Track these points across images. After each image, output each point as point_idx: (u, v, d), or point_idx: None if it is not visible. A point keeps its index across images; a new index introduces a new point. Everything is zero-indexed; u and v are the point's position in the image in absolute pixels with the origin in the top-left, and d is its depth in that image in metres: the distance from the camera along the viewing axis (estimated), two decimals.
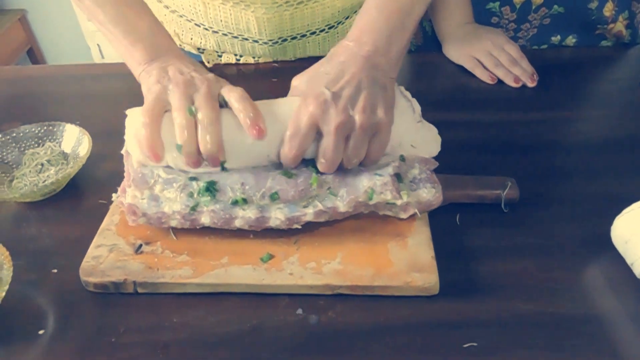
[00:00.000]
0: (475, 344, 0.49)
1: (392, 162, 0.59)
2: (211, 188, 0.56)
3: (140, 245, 0.57)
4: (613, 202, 0.59)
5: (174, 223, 0.56)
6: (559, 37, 0.96)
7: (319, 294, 0.54)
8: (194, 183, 0.56)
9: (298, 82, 0.59)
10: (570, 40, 0.97)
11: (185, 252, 0.56)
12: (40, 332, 0.51)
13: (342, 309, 0.53)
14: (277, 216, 0.56)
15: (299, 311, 0.52)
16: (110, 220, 0.60)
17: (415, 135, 0.60)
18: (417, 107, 0.63)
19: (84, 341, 0.51)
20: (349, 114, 0.54)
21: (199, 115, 0.55)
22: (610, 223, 0.57)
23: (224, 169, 0.57)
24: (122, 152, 0.61)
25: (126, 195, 0.57)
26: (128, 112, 0.59)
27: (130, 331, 0.51)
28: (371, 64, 0.57)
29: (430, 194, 0.58)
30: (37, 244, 0.60)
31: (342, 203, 0.56)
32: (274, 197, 0.56)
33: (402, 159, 0.60)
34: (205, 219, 0.55)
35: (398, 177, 0.58)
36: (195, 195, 0.56)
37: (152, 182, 0.57)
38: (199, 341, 0.50)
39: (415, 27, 0.59)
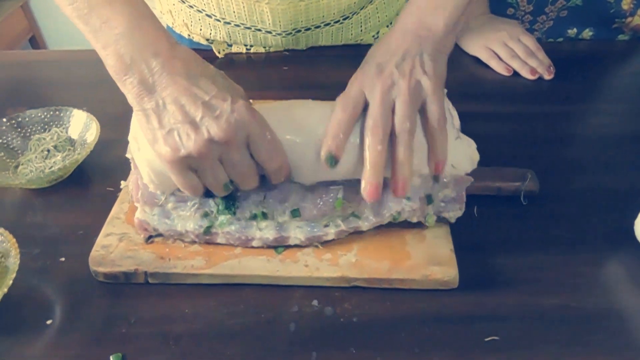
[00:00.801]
0: (496, 338, 0.48)
1: (425, 181, 0.55)
2: (230, 206, 0.53)
3: (152, 235, 0.55)
4: (635, 196, 0.58)
5: (187, 240, 0.55)
6: (575, 30, 0.94)
7: (334, 286, 0.52)
8: (210, 201, 0.53)
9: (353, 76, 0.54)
10: (587, 33, 0.95)
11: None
12: (48, 322, 0.50)
13: (359, 301, 0.51)
14: (296, 235, 0.54)
15: (315, 302, 0.51)
16: (119, 208, 0.58)
17: (455, 153, 0.54)
18: (457, 122, 0.57)
19: (93, 332, 0.49)
20: (394, 76, 0.51)
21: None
22: (633, 217, 0.56)
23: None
24: (128, 155, 0.55)
25: (137, 210, 0.55)
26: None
27: (141, 322, 0.50)
28: (419, 35, 0.53)
29: (454, 214, 0.56)
30: (44, 231, 0.59)
31: (365, 223, 0.55)
32: (295, 214, 0.53)
33: (436, 179, 0.55)
34: (220, 240, 0.54)
35: (428, 198, 0.55)
36: (213, 213, 0.53)
37: (163, 200, 0.54)
38: (212, 333, 0.49)
39: (466, 6, 0.55)
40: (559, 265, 0.54)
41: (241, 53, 0.89)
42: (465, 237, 0.57)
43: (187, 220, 0.54)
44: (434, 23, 0.53)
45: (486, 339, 0.48)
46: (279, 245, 0.54)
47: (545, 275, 0.54)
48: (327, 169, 0.50)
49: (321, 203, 0.54)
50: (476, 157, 0.57)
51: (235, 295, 0.52)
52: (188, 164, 0.48)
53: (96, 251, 0.54)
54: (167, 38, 0.49)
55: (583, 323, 0.50)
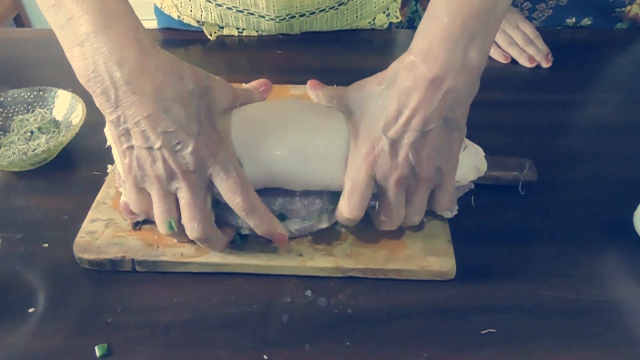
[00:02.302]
0: (493, 330, 0.47)
1: None
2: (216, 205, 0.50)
3: (139, 221, 0.53)
4: (633, 186, 0.57)
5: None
6: (574, 19, 0.93)
7: (329, 276, 0.51)
8: None
9: (352, 102, 0.49)
10: (586, 22, 0.94)
11: None
12: (30, 310, 0.48)
13: (353, 292, 0.50)
14: (288, 228, 0.51)
15: (308, 293, 0.50)
16: (106, 193, 0.56)
17: (460, 167, 0.50)
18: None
19: (77, 321, 0.47)
20: (411, 165, 0.45)
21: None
22: (631, 208, 0.55)
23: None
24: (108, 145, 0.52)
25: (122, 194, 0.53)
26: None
27: (128, 311, 0.48)
28: (443, 90, 0.43)
29: (447, 213, 0.55)
30: (26, 216, 0.57)
31: None
32: (283, 217, 0.51)
33: None
34: None
35: None
36: None
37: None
38: (202, 323, 0.47)
39: (497, 30, 0.44)
40: (556, 257, 0.54)
41: (233, 36, 0.86)
42: (462, 227, 0.56)
43: None
44: (465, 64, 0.43)
45: (483, 332, 0.47)
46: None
47: (542, 266, 0.53)
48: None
49: (311, 207, 0.51)
50: (483, 167, 0.54)
51: (226, 285, 0.50)
52: (141, 185, 0.46)
53: (81, 237, 0.52)
54: (138, 43, 0.42)
55: (581, 315, 0.49)
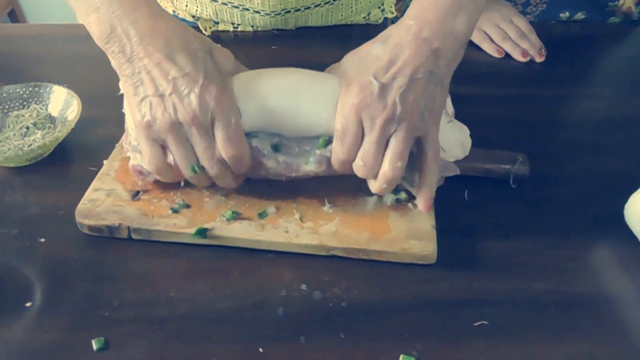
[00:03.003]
0: (485, 323, 0.48)
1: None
2: None
3: (138, 192, 0.56)
4: (625, 180, 0.58)
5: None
6: (567, 13, 0.93)
7: (314, 255, 0.52)
8: None
9: (347, 64, 0.52)
10: (579, 16, 0.94)
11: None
12: (28, 304, 0.49)
13: (348, 286, 0.50)
14: (275, 160, 0.52)
15: (303, 287, 0.50)
16: (110, 165, 0.59)
17: (446, 136, 0.53)
18: (450, 108, 0.57)
19: (74, 315, 0.48)
20: (397, 109, 0.47)
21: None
22: (622, 201, 0.56)
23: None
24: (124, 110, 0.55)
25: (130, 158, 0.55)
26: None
27: (124, 305, 0.48)
28: (432, 48, 0.47)
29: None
30: (23, 211, 0.57)
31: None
32: (277, 148, 0.52)
33: None
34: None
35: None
36: None
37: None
38: (198, 317, 0.48)
39: (485, 4, 0.50)
40: (548, 250, 0.54)
41: (228, 31, 0.86)
42: (455, 220, 0.56)
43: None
44: (453, 29, 0.48)
45: (475, 324, 0.48)
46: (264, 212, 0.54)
47: (534, 259, 0.53)
48: None
49: (302, 146, 0.52)
50: (468, 144, 0.56)
51: (222, 279, 0.51)
52: (155, 136, 0.49)
53: (83, 204, 0.54)
54: (148, 6, 0.49)
55: (572, 308, 0.49)
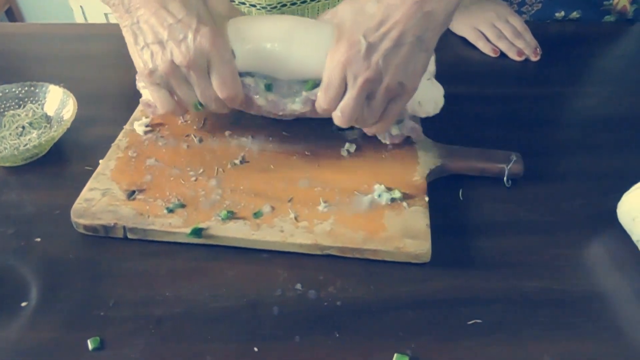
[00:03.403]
0: (479, 321, 0.48)
1: None
2: None
3: (134, 192, 0.56)
4: (618, 179, 0.58)
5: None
6: (563, 12, 0.94)
7: (309, 254, 0.52)
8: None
9: (342, 14, 0.53)
10: (574, 15, 0.94)
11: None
12: (23, 304, 0.49)
13: (343, 285, 0.51)
14: (263, 99, 0.56)
15: (298, 286, 0.50)
16: (106, 165, 0.59)
17: (423, 93, 0.57)
18: (432, 67, 0.60)
19: (70, 314, 0.48)
20: (379, 70, 0.50)
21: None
22: (615, 200, 0.56)
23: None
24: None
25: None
26: None
27: (120, 304, 0.49)
28: (424, 11, 0.49)
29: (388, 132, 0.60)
30: (19, 211, 0.57)
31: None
32: (269, 87, 0.56)
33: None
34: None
35: None
36: None
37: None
38: (194, 316, 0.48)
39: None
40: (541, 248, 0.55)
41: None
42: (449, 219, 0.57)
43: None
44: None
45: (469, 322, 0.48)
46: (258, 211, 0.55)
47: (528, 257, 0.54)
48: None
49: (292, 88, 0.57)
50: (441, 102, 0.60)
51: (217, 279, 0.51)
52: (159, 81, 0.53)
53: (79, 204, 0.55)
54: None
55: (565, 306, 0.50)
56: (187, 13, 0.51)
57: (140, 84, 0.61)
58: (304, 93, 0.56)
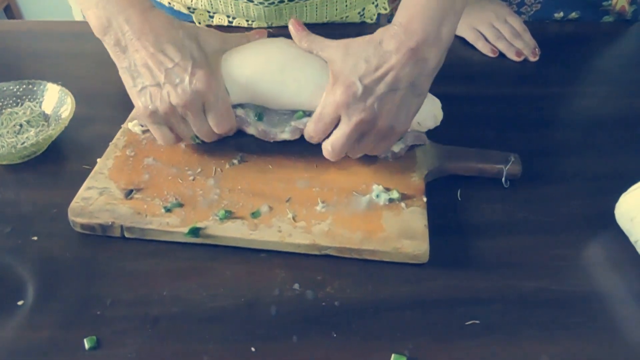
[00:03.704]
0: (477, 322, 0.48)
1: None
2: None
3: (131, 191, 0.56)
4: (616, 179, 0.58)
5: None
6: (561, 13, 0.94)
7: (307, 254, 0.52)
8: None
9: (336, 54, 0.54)
10: (573, 16, 0.94)
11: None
12: (20, 303, 0.49)
13: (340, 285, 0.51)
14: (254, 127, 0.58)
15: (296, 286, 0.50)
16: (103, 164, 0.59)
17: (420, 112, 0.56)
18: None
19: (66, 313, 0.48)
20: (374, 113, 0.52)
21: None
22: (614, 201, 0.56)
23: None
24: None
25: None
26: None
27: (117, 304, 0.48)
28: (418, 57, 0.51)
29: (395, 147, 0.59)
30: (16, 209, 0.57)
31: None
32: (260, 117, 0.58)
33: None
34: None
35: None
36: None
37: None
38: (191, 315, 0.48)
39: (463, 11, 0.54)
40: (539, 249, 0.55)
41: (223, 26, 0.86)
42: (447, 220, 0.57)
43: None
44: (438, 38, 0.51)
45: (467, 323, 0.48)
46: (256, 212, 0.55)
47: (526, 258, 0.54)
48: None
49: (282, 118, 0.58)
50: (440, 115, 0.60)
51: (214, 278, 0.51)
52: (159, 120, 0.55)
53: (76, 202, 0.55)
54: (140, 4, 0.54)
55: (563, 306, 0.50)
56: (182, 57, 0.53)
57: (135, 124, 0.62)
58: (293, 123, 0.58)
